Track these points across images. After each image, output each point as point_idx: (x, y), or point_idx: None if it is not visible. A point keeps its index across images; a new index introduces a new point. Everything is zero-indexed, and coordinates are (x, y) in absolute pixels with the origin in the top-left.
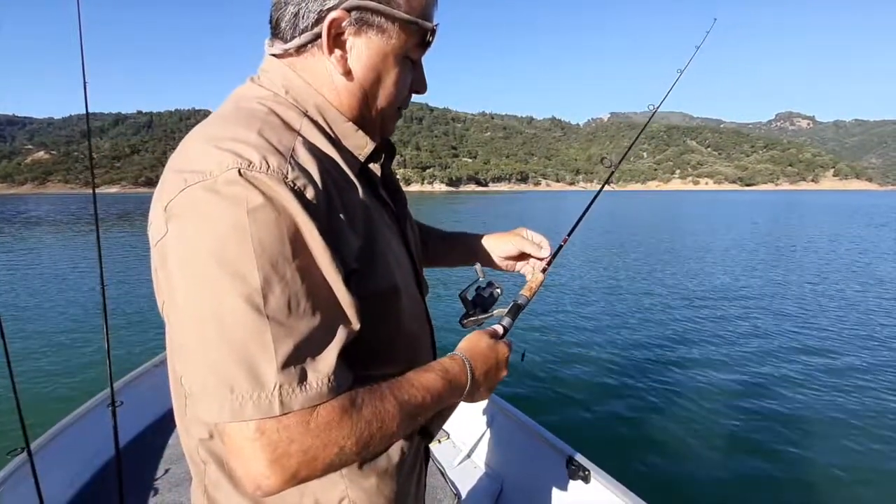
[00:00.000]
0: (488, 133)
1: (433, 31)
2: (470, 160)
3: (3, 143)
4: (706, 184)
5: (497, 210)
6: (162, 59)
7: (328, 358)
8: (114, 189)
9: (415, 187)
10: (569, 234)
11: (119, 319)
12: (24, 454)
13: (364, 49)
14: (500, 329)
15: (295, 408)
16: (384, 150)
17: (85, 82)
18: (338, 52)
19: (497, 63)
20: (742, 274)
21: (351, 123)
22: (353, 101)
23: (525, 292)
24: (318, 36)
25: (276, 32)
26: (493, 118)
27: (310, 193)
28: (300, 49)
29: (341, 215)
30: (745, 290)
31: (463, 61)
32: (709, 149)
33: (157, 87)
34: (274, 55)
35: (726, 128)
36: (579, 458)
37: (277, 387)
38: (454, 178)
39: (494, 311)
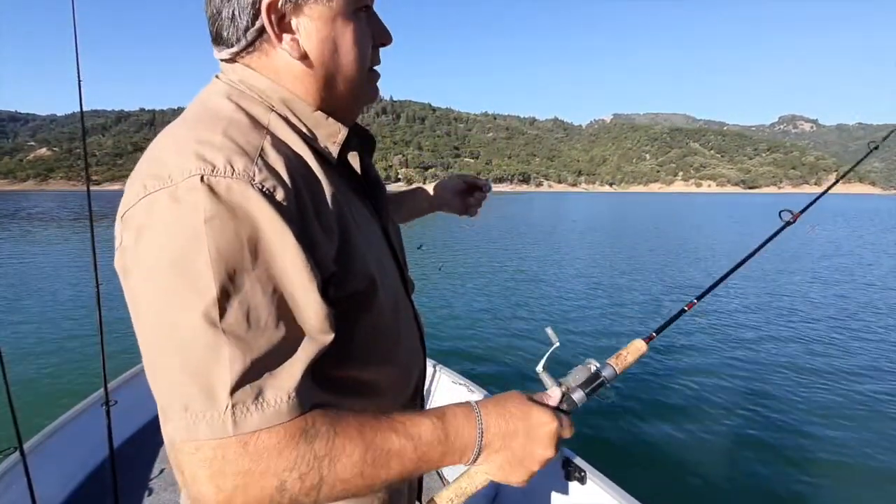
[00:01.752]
0: (490, 133)
1: None
2: (472, 160)
3: (6, 139)
4: (709, 186)
5: (501, 211)
6: (165, 55)
7: (290, 375)
8: (116, 186)
9: None
10: (697, 298)
11: (114, 318)
12: (17, 454)
13: (310, 23)
14: (554, 395)
15: (249, 428)
16: (364, 139)
17: (80, 80)
18: (287, 36)
19: (500, 63)
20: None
21: (320, 112)
22: (319, 84)
23: (613, 361)
24: (263, 29)
25: (220, 43)
26: (495, 118)
27: (280, 195)
28: (250, 48)
29: (315, 216)
30: (745, 291)
31: (466, 62)
32: (711, 151)
33: (159, 85)
34: (226, 60)
35: (729, 130)
36: (575, 459)
37: (230, 406)
38: None
39: (571, 380)
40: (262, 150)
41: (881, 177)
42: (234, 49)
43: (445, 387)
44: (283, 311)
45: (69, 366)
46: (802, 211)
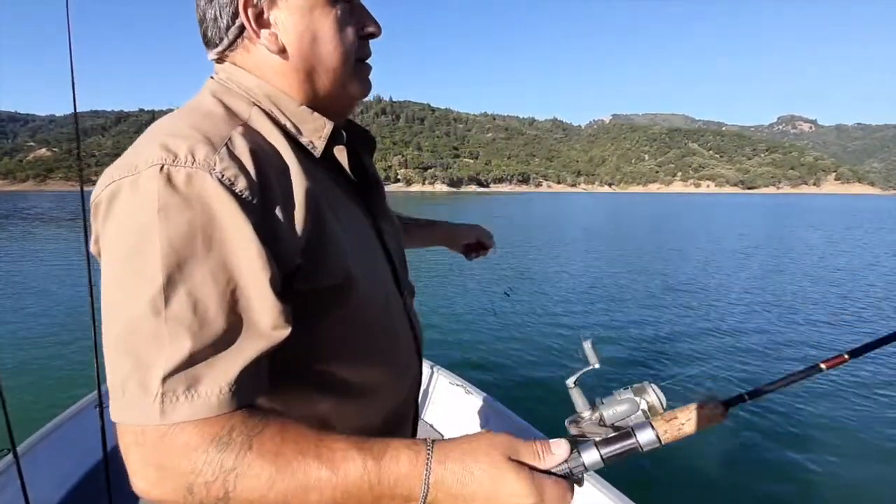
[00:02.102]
0: (490, 134)
1: None
2: (471, 161)
3: (6, 140)
4: (707, 186)
5: (500, 211)
6: (164, 54)
7: (229, 368)
8: None
9: (416, 187)
10: (850, 354)
11: None
12: (11, 456)
13: (287, 16)
14: (558, 453)
15: (178, 418)
16: (364, 139)
17: (73, 81)
18: (265, 32)
19: (499, 64)
20: (744, 275)
21: (305, 107)
22: (302, 77)
23: (662, 424)
24: (243, 26)
25: (208, 44)
26: (494, 119)
27: (240, 186)
28: (233, 47)
29: (283, 209)
30: (748, 291)
31: (464, 62)
32: (710, 151)
33: (159, 85)
34: (216, 60)
35: (728, 130)
36: None
37: (160, 394)
38: (455, 179)
39: (608, 411)
40: (229, 140)
41: (880, 177)
42: (220, 48)
43: (443, 387)
44: (233, 303)
45: (63, 367)
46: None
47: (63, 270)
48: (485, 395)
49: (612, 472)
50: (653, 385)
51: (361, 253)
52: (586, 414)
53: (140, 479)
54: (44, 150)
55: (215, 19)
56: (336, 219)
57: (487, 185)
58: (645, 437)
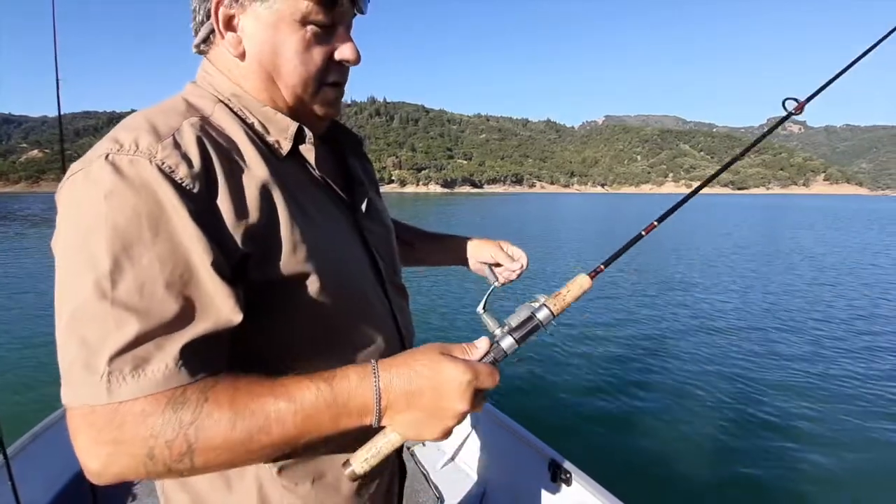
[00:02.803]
0: (483, 135)
1: None
2: (465, 162)
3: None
4: None
5: (493, 212)
6: (157, 54)
7: (174, 347)
8: None
9: (410, 188)
10: (658, 221)
11: None
12: (1, 457)
13: (253, 24)
14: (481, 346)
15: (123, 397)
16: (349, 139)
17: (58, 81)
18: (230, 35)
19: (493, 65)
20: (729, 278)
21: (269, 108)
22: (260, 83)
23: (551, 301)
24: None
25: (195, 36)
26: (488, 120)
27: (181, 173)
28: (207, 42)
29: (228, 198)
30: (731, 295)
31: (458, 63)
32: (701, 152)
33: (151, 85)
34: (196, 52)
35: (718, 132)
36: (561, 460)
37: (106, 374)
38: (449, 180)
39: (514, 321)
40: (177, 131)
41: (869, 178)
42: (196, 41)
43: None
44: (180, 285)
45: (53, 368)
46: (808, 100)
47: (53, 271)
48: None
49: (602, 473)
50: (540, 295)
51: (331, 250)
52: (498, 331)
53: (92, 459)
54: (36, 151)
55: (195, 11)
56: (298, 214)
57: (481, 186)
58: (542, 314)
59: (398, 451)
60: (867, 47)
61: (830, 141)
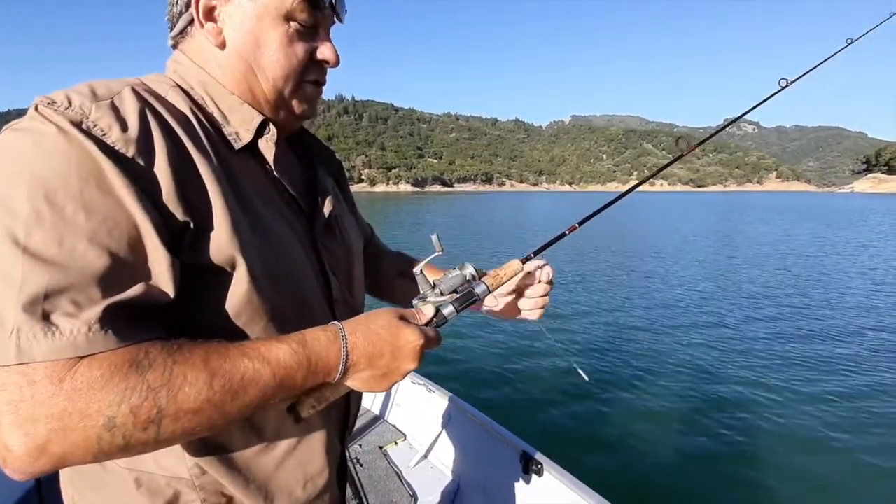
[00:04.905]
0: (453, 134)
1: None
2: (435, 161)
3: None
4: (661, 185)
5: (463, 210)
6: (143, 47)
7: (98, 305)
8: None
9: (380, 188)
10: (580, 223)
11: None
12: None
13: (236, 14)
14: (426, 312)
15: (35, 357)
16: (317, 150)
17: None
18: (210, 24)
19: (461, 64)
20: (697, 269)
21: (237, 97)
22: (237, 74)
23: (488, 280)
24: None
25: (171, 29)
26: (457, 119)
27: (114, 136)
28: (184, 33)
29: (165, 169)
30: (701, 284)
31: (427, 62)
32: (663, 151)
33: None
34: (172, 46)
35: (679, 132)
36: (532, 452)
37: (16, 330)
38: (420, 179)
39: (445, 285)
40: (118, 95)
41: (816, 175)
42: (173, 33)
43: (405, 386)
44: (107, 241)
45: None
46: (798, 78)
47: None
48: (446, 392)
49: (571, 462)
50: (468, 263)
51: (268, 252)
52: (429, 291)
53: (23, 443)
54: None
55: (173, 4)
56: (238, 204)
57: (452, 185)
58: (479, 289)
59: (340, 457)
60: (845, 44)
61: (781, 140)
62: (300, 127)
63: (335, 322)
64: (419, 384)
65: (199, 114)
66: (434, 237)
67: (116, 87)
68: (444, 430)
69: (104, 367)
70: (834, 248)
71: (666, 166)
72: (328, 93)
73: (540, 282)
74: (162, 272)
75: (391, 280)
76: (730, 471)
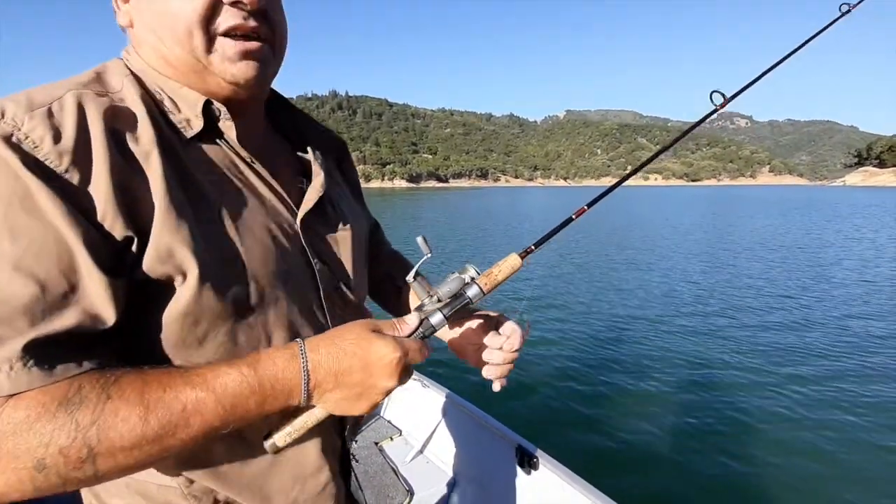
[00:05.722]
0: (448, 129)
1: None
2: (430, 156)
3: None
4: (655, 179)
5: (457, 206)
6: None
7: (20, 339)
8: None
9: (375, 184)
10: (588, 205)
11: None
12: None
13: None
14: (409, 322)
15: None
16: (294, 124)
17: None
18: (123, 4)
19: (455, 59)
20: (699, 263)
21: (174, 81)
22: (153, 52)
23: (483, 280)
24: None
25: None
26: (452, 114)
27: (46, 148)
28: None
29: (104, 178)
30: (691, 278)
31: (421, 56)
32: (657, 146)
33: None
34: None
35: (673, 126)
36: (527, 446)
37: None
38: (414, 175)
39: (443, 291)
40: (59, 100)
41: (808, 169)
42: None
43: None
44: (35, 268)
45: None
46: (732, 97)
47: None
48: (442, 388)
49: (566, 455)
50: (471, 264)
51: (228, 247)
52: (427, 300)
53: None
54: None
55: None
56: (186, 207)
57: (447, 181)
58: (472, 292)
59: (342, 451)
60: (794, 47)
61: (774, 135)
62: (296, 111)
63: (298, 339)
64: (414, 380)
65: (151, 105)
66: (420, 239)
67: (58, 92)
68: (439, 426)
69: (31, 408)
70: (825, 240)
71: (686, 133)
72: (322, 88)
73: (502, 349)
74: (99, 295)
75: (378, 283)
76: (725, 461)
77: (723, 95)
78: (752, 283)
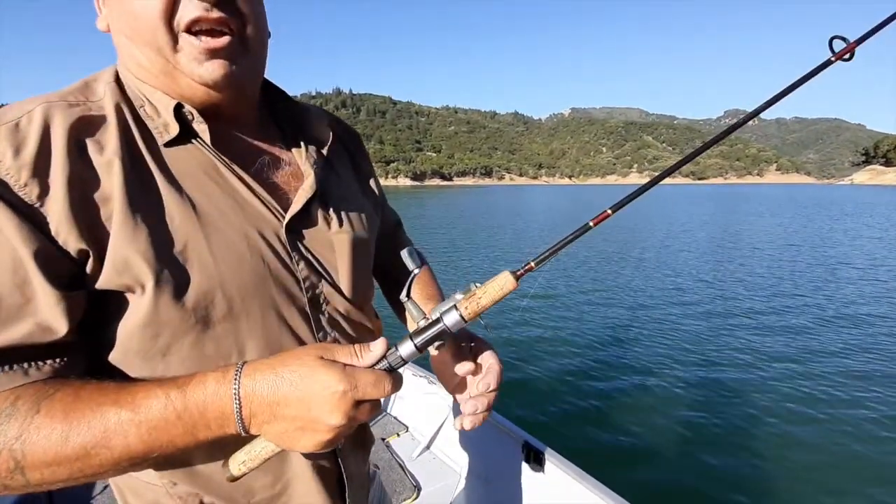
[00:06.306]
0: (452, 127)
1: None
2: (434, 154)
3: None
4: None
5: (462, 205)
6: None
7: None
8: None
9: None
10: (613, 209)
11: None
12: None
13: None
14: (373, 350)
15: None
16: (291, 117)
17: None
18: (103, 8)
19: (460, 57)
20: (701, 262)
21: (148, 86)
22: (128, 56)
23: (465, 304)
24: None
25: None
26: (456, 112)
27: (7, 163)
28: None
29: (63, 191)
30: (700, 275)
31: (425, 54)
32: (664, 144)
33: None
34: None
35: (679, 124)
36: (534, 442)
37: None
38: (419, 173)
39: (440, 311)
40: (26, 115)
41: (816, 168)
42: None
43: (406, 379)
44: None
45: None
46: (858, 42)
47: None
48: None
49: (572, 452)
50: (474, 283)
51: (194, 258)
52: (422, 322)
53: None
54: None
55: None
56: (148, 214)
57: (451, 179)
58: (451, 319)
59: (336, 471)
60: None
61: (781, 133)
62: (294, 103)
63: (240, 362)
64: (420, 377)
65: (129, 112)
66: (404, 253)
67: (30, 106)
68: (446, 422)
69: None
70: (836, 239)
71: (720, 137)
72: (326, 86)
73: (477, 391)
74: (50, 308)
75: (389, 293)
76: (735, 459)
77: (845, 41)
78: (763, 281)
